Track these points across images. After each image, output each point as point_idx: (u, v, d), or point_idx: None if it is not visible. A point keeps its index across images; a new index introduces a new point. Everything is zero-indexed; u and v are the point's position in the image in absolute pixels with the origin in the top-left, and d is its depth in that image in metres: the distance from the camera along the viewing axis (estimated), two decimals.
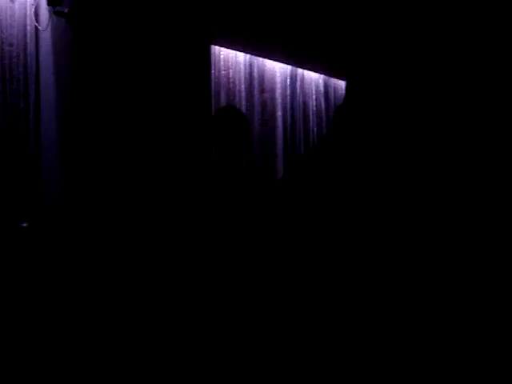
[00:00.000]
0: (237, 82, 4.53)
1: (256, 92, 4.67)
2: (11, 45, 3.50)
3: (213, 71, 4.24)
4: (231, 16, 4.22)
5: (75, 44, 3.53)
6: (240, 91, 4.55)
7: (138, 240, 3.57)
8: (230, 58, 4.54)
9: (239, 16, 4.25)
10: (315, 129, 5.01)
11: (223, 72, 4.46)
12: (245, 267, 2.78)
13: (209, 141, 3.59)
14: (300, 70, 5.00)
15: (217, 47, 4.40)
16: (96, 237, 3.50)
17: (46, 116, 3.52)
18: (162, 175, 3.72)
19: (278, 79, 4.82)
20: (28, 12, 3.58)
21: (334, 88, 5.24)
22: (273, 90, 4.77)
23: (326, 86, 5.18)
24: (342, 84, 5.29)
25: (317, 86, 5.10)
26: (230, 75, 4.51)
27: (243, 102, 4.52)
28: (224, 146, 2.83)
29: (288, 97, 4.86)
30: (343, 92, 5.15)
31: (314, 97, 5.05)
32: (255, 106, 4.61)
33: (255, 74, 4.68)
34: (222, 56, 4.48)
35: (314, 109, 5.02)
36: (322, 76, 5.17)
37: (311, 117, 5.01)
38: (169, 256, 3.36)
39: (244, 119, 2.93)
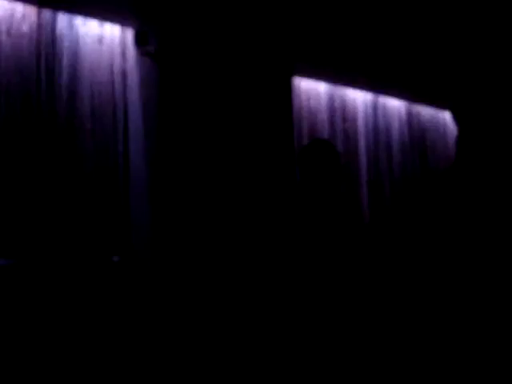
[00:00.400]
0: (318, 113, 4.53)
1: (338, 122, 4.65)
2: (100, 86, 3.63)
3: (294, 102, 4.25)
4: (314, 46, 4.24)
5: (161, 82, 3.62)
6: (322, 121, 4.55)
7: (224, 273, 3.60)
8: (310, 89, 4.55)
9: (322, 46, 4.26)
10: (399, 156, 4.95)
11: (304, 103, 4.48)
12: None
13: (294, 173, 3.60)
14: (381, 98, 4.96)
15: (297, 78, 4.42)
16: (183, 268, 3.54)
17: (135, 151, 3.62)
18: (248, 207, 3.74)
19: (360, 108, 4.80)
20: (115, 52, 3.70)
21: (417, 114, 5.17)
22: (355, 119, 4.75)
23: (408, 113, 5.11)
24: (424, 110, 5.21)
25: (399, 113, 5.04)
26: (312, 105, 4.51)
27: (325, 132, 4.52)
28: (316, 178, 2.84)
29: (370, 125, 4.82)
30: (425, 118, 5.07)
31: (396, 124, 4.99)
32: (337, 135, 4.60)
33: (336, 104, 4.67)
34: (302, 87, 4.49)
35: (397, 137, 4.96)
36: (404, 103, 5.10)
37: (394, 145, 4.94)
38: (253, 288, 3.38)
39: (337, 154, 2.93)
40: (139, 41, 3.67)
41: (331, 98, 4.66)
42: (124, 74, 3.71)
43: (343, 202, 3.01)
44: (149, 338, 3.38)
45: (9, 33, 3.42)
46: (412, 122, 5.13)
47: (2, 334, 3.03)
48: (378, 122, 4.89)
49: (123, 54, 3.73)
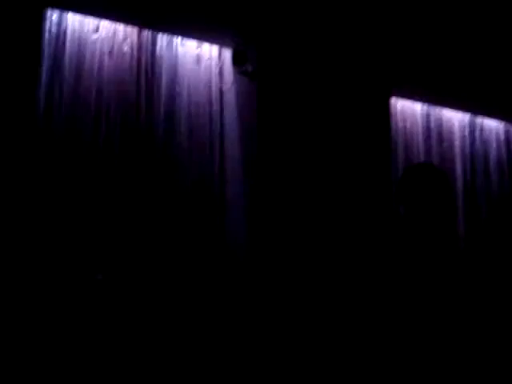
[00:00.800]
0: (414, 134, 4.42)
1: (434, 143, 4.52)
2: (197, 105, 3.64)
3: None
4: (413, 67, 4.13)
5: (259, 101, 3.59)
6: (418, 143, 4.43)
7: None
8: (406, 109, 4.44)
9: (420, 67, 4.16)
10: (496, 179, 4.76)
11: (400, 124, 4.37)
12: None
13: (394, 199, 3.50)
14: (479, 119, 4.80)
15: (393, 98, 4.31)
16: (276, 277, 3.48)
17: (231, 170, 3.61)
18: (346, 231, 3.66)
19: (457, 129, 4.65)
20: (213, 72, 3.71)
21: None
22: (451, 141, 4.60)
23: (507, 133, 4.92)
24: None
25: (497, 135, 4.87)
26: (407, 127, 4.41)
27: (421, 155, 4.40)
28: (429, 209, 2.69)
29: (467, 147, 4.66)
30: None
31: (494, 145, 4.81)
32: (433, 158, 4.47)
33: (432, 125, 4.54)
34: (398, 108, 4.39)
35: (495, 159, 4.78)
36: (503, 124, 4.93)
37: (492, 168, 4.76)
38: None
39: (449, 182, 2.78)
40: (237, 60, 3.66)
41: (427, 119, 4.53)
42: (221, 93, 3.71)
43: (445, 232, 2.86)
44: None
45: (111, 54, 3.47)
46: (510, 143, 4.93)
47: (96, 339, 3.08)
48: (475, 143, 4.73)
49: (220, 73, 3.73)
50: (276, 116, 3.63)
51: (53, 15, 3.33)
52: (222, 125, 3.69)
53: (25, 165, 3.10)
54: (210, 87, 3.70)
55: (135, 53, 3.54)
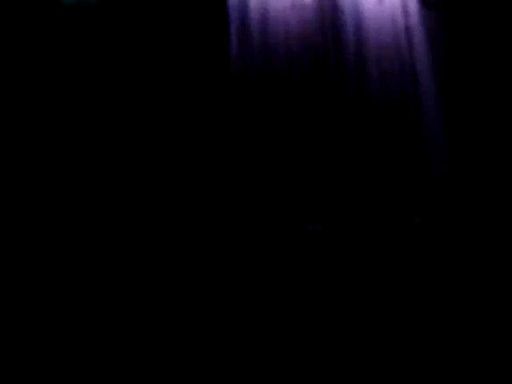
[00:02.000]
0: None
1: None
2: (385, 46, 3.51)
3: None
4: None
5: (449, 35, 3.41)
6: None
7: None
8: None
9: None
10: None
11: None
12: None
13: None
14: None
15: None
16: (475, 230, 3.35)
17: (427, 111, 3.47)
18: None
19: None
20: (396, 11, 3.57)
21: None
22: None
23: None
24: None
25: None
26: None
27: None
28: None
29: None
30: None
31: None
32: None
33: None
34: None
35: None
36: None
37: None
38: None
39: None
40: None
41: None
42: (408, 32, 3.56)
43: None
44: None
45: (293, 5, 3.43)
46: None
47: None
48: None
49: (405, 11, 3.57)
50: (467, 51, 3.44)
51: None
52: (412, 66, 3.52)
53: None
54: (395, 27, 3.55)
55: (316, 2, 3.47)
